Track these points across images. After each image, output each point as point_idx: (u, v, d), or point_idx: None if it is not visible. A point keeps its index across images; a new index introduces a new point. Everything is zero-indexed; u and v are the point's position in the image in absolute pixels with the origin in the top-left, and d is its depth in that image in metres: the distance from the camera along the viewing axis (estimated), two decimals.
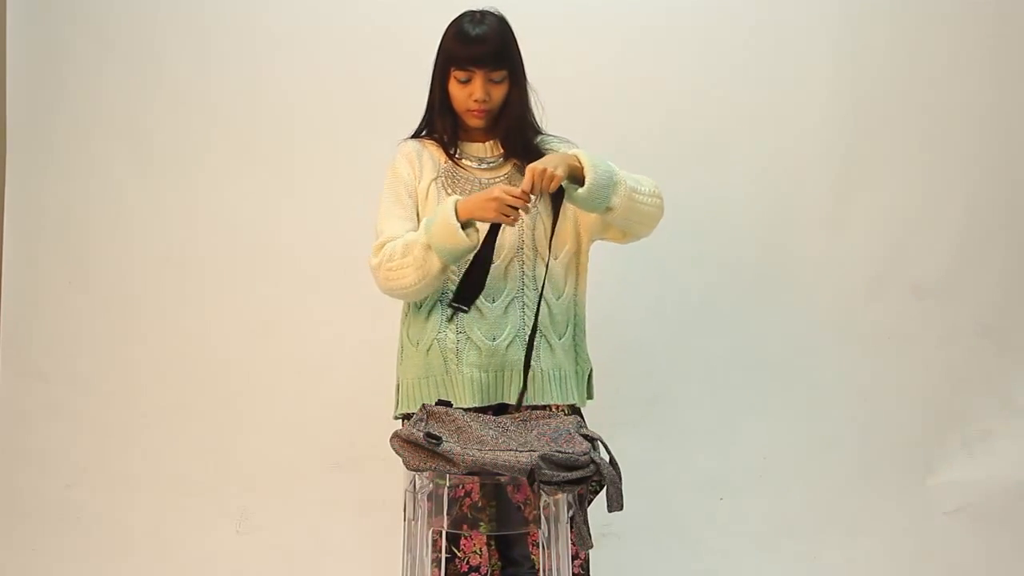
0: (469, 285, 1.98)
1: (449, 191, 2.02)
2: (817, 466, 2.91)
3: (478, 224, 1.93)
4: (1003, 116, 2.89)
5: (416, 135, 2.14)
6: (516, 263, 2.02)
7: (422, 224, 1.96)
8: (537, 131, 2.11)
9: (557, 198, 2.04)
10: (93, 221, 2.97)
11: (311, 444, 2.92)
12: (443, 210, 1.92)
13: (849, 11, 2.86)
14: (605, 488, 1.73)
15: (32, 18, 2.96)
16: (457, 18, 2.03)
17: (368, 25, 2.86)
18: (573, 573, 1.87)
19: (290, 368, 2.93)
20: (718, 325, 2.91)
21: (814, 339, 2.92)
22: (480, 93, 1.97)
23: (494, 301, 2.00)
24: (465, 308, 1.98)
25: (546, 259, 2.03)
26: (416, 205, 2.04)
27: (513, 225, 1.94)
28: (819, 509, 2.88)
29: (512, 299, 2.01)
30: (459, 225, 1.89)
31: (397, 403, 2.11)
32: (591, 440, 1.77)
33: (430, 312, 2.02)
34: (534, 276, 2.02)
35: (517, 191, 1.87)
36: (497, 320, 2.00)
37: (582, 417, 2.06)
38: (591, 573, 2.06)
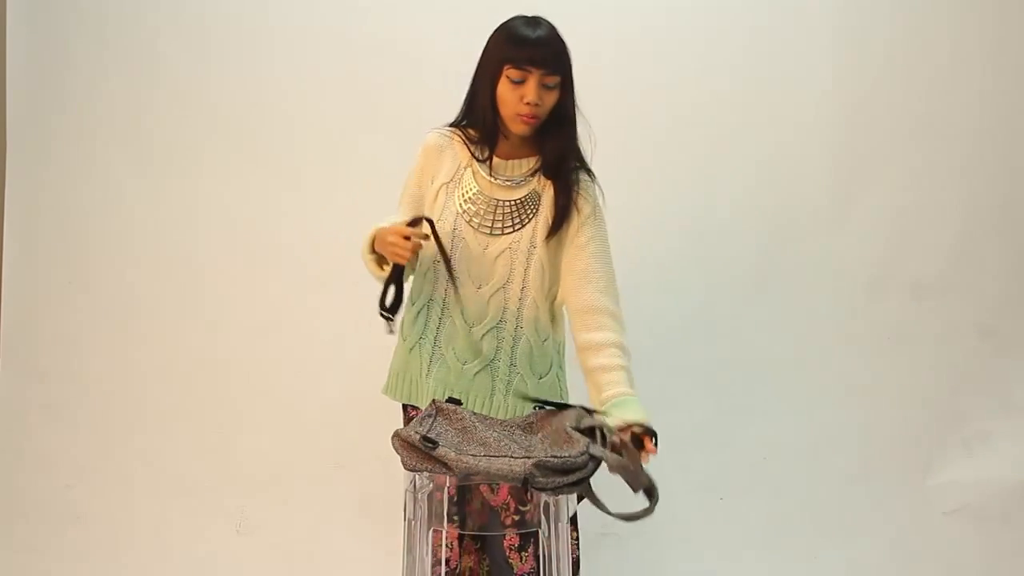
0: (384, 289, 1.94)
1: (459, 202, 1.99)
2: (817, 466, 2.91)
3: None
4: (1003, 116, 2.89)
5: (455, 124, 2.06)
6: (500, 294, 1.98)
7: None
8: (580, 160, 2.02)
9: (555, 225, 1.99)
10: (93, 221, 2.97)
11: (311, 444, 2.92)
12: (366, 236, 1.94)
13: (849, 11, 2.86)
14: (621, 477, 1.69)
15: (32, 18, 2.96)
16: (510, 21, 1.95)
17: (368, 25, 2.86)
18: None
19: (290, 368, 2.93)
20: (718, 325, 2.91)
21: (814, 339, 2.92)
22: (533, 95, 1.89)
23: (473, 327, 1.98)
24: (389, 317, 1.95)
25: (535, 298, 1.99)
26: (422, 200, 2.04)
27: (407, 262, 1.89)
28: (819, 509, 2.88)
29: (490, 329, 1.98)
30: (372, 258, 1.93)
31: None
32: (591, 431, 1.74)
33: (417, 314, 2.03)
34: (518, 312, 1.99)
35: (400, 231, 1.84)
36: (473, 345, 1.98)
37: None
38: (581, 572, 2.08)
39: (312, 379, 2.92)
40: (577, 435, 1.72)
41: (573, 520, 2.04)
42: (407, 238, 1.83)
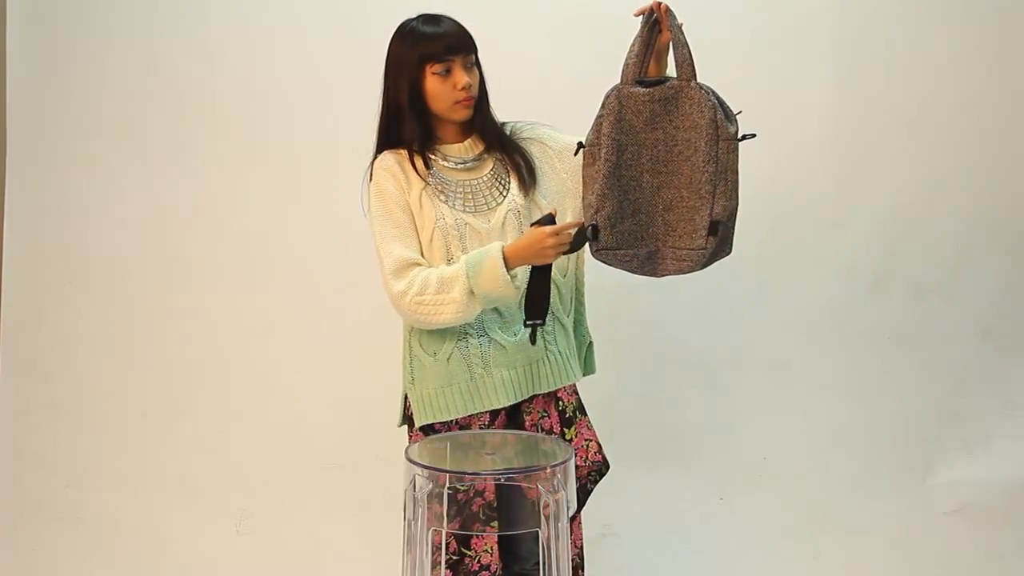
0: (539, 300, 1.95)
1: (442, 198, 1.99)
2: (817, 466, 2.91)
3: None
4: (1003, 116, 2.89)
5: (385, 148, 2.06)
6: None
7: (463, 266, 1.91)
8: (499, 124, 2.10)
9: (553, 184, 2.05)
10: (93, 221, 2.97)
11: (311, 444, 2.92)
12: (490, 260, 1.89)
13: (849, 11, 2.86)
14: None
15: (32, 18, 2.96)
16: (409, 25, 2.01)
17: (368, 24, 2.85)
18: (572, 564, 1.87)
19: (290, 368, 2.93)
20: (718, 325, 2.91)
21: (815, 339, 2.92)
22: (464, 79, 1.96)
23: None
24: (543, 323, 1.96)
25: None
26: (411, 219, 2.00)
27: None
28: (819, 509, 2.89)
29: (522, 292, 2.00)
30: (510, 277, 1.89)
31: (406, 414, 2.09)
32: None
33: None
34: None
35: (562, 228, 1.89)
36: (513, 316, 2.00)
37: (579, 402, 2.10)
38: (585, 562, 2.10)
39: (312, 379, 2.92)
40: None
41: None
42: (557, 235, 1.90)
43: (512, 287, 1.89)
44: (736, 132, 1.87)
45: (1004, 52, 2.87)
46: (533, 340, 1.97)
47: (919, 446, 2.93)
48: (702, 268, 1.91)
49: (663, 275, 1.95)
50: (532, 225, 1.93)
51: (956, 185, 2.89)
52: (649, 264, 1.94)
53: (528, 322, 1.96)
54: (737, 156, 1.88)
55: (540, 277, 1.93)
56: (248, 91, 2.91)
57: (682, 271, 1.92)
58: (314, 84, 2.88)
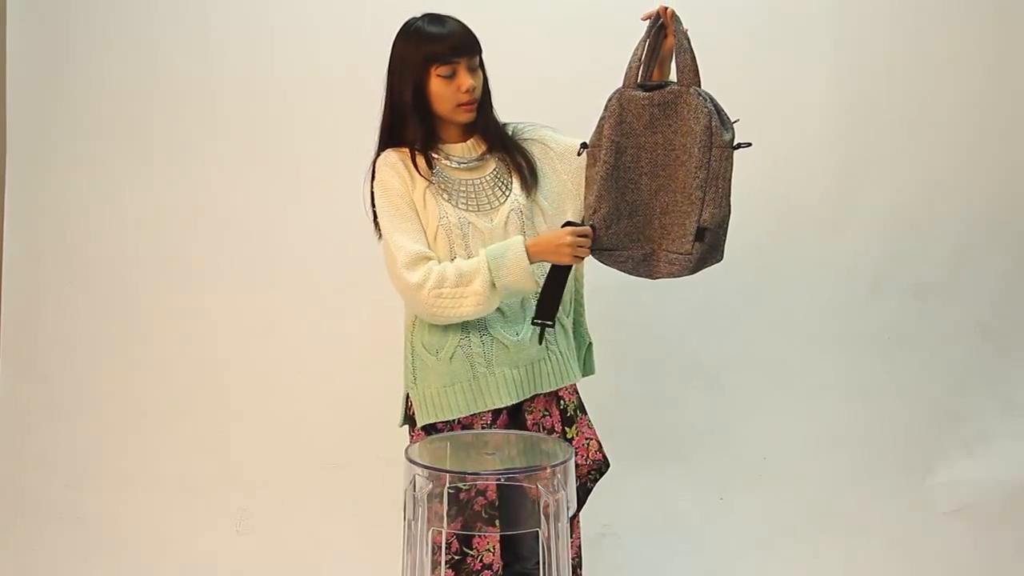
0: (552, 300, 1.95)
1: (445, 197, 2.00)
2: (817, 466, 2.91)
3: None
4: (1003, 116, 2.89)
5: (388, 147, 2.05)
6: None
7: (483, 259, 1.91)
8: (502, 124, 2.10)
9: (554, 185, 2.06)
10: (93, 221, 2.97)
11: (311, 444, 2.92)
12: (514, 253, 1.90)
13: (849, 11, 2.86)
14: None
15: (32, 18, 2.96)
16: (414, 24, 2.00)
17: (368, 23, 2.86)
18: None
19: (290, 368, 2.93)
20: (718, 325, 2.91)
21: (814, 339, 2.92)
22: (469, 82, 1.96)
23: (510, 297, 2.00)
24: (552, 324, 1.96)
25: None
26: (416, 214, 1.99)
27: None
28: (819, 509, 2.89)
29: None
30: (532, 270, 1.90)
31: (407, 413, 2.09)
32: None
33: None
34: (541, 264, 2.00)
35: (584, 231, 1.91)
36: (516, 315, 2.00)
37: (580, 400, 2.10)
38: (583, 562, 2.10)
39: (312, 379, 2.92)
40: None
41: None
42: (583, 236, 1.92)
43: (533, 280, 1.91)
44: (731, 140, 1.87)
45: (1004, 52, 2.88)
46: (541, 340, 1.98)
47: (919, 446, 2.93)
48: (691, 273, 1.92)
49: (658, 277, 1.96)
50: (564, 225, 1.95)
51: (956, 185, 2.90)
52: (645, 266, 1.95)
53: (536, 320, 1.96)
54: (731, 164, 1.88)
55: (556, 277, 1.94)
56: (248, 91, 2.91)
57: (673, 274, 1.93)
58: (314, 84, 2.88)
